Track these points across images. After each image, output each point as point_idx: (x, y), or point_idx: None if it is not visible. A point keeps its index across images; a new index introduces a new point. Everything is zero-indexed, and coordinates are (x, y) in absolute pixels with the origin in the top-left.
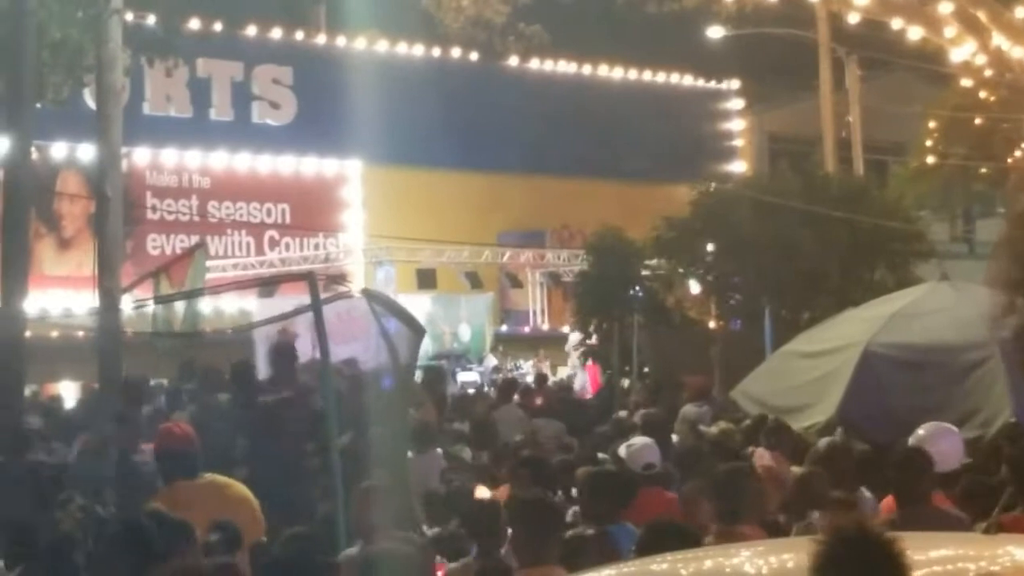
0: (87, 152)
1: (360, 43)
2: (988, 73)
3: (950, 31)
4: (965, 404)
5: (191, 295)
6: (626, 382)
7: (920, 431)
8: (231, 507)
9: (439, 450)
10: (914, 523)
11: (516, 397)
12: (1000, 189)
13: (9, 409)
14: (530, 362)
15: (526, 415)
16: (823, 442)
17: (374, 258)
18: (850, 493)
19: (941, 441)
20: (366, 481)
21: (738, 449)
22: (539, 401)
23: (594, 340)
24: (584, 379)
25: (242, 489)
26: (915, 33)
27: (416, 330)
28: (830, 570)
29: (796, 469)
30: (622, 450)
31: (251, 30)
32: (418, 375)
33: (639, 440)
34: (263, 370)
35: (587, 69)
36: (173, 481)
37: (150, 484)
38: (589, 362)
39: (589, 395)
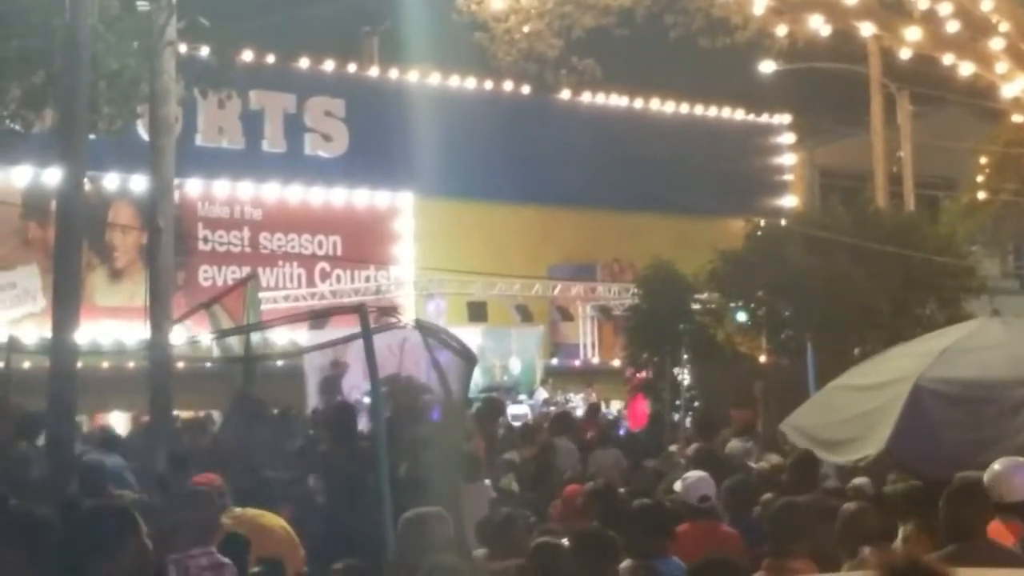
0: (139, 183)
1: (412, 75)
2: None
3: (1001, 67)
4: (1017, 439)
5: (251, 329)
6: (676, 416)
7: (996, 466)
8: (269, 537)
9: (487, 481)
10: (966, 557)
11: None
12: None
13: (63, 441)
14: (580, 395)
15: (576, 447)
16: (862, 487)
17: (425, 290)
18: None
19: (1018, 474)
20: (416, 509)
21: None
22: (591, 434)
23: (643, 374)
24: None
25: (276, 519)
26: (966, 69)
27: (468, 359)
28: None
29: (848, 505)
30: (677, 484)
31: (303, 62)
32: (475, 406)
33: (694, 473)
34: (313, 400)
35: (639, 103)
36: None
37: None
38: (635, 395)
39: (636, 427)
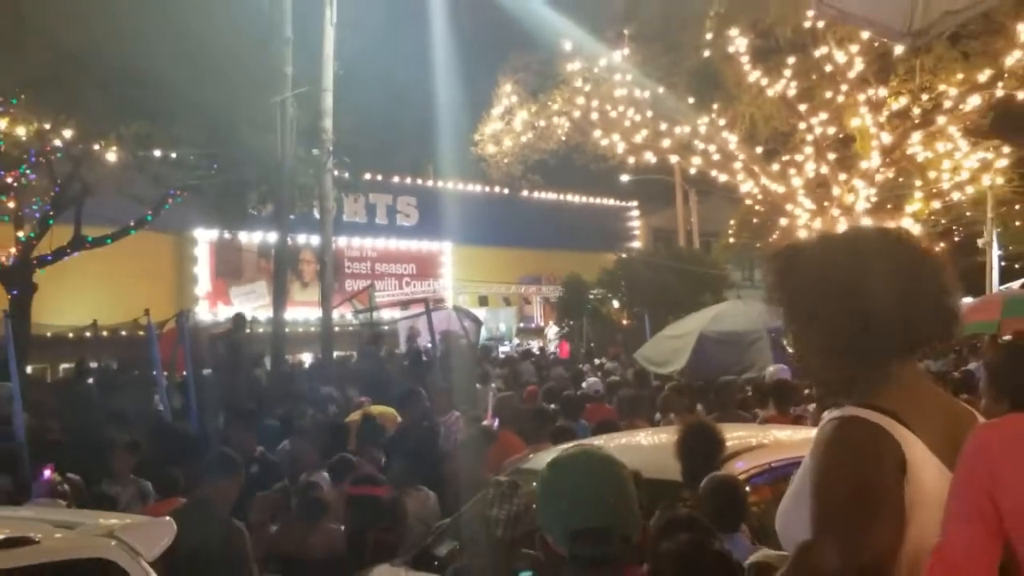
0: (314, 239)
1: (450, 183)
2: (759, 196)
3: (741, 177)
4: (748, 360)
5: (371, 310)
6: (583, 351)
7: (771, 368)
8: (389, 419)
9: (492, 384)
10: (725, 420)
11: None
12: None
13: (282, 373)
14: (536, 342)
15: (535, 368)
16: (675, 383)
17: (457, 291)
18: (692, 406)
19: (782, 372)
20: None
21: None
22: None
23: (565, 330)
24: (557, 349)
25: (391, 410)
26: (723, 178)
27: (478, 323)
28: (687, 441)
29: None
30: (584, 384)
31: (395, 178)
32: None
33: (593, 380)
34: (403, 346)
35: (561, 196)
36: None
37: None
38: (562, 341)
39: (562, 357)
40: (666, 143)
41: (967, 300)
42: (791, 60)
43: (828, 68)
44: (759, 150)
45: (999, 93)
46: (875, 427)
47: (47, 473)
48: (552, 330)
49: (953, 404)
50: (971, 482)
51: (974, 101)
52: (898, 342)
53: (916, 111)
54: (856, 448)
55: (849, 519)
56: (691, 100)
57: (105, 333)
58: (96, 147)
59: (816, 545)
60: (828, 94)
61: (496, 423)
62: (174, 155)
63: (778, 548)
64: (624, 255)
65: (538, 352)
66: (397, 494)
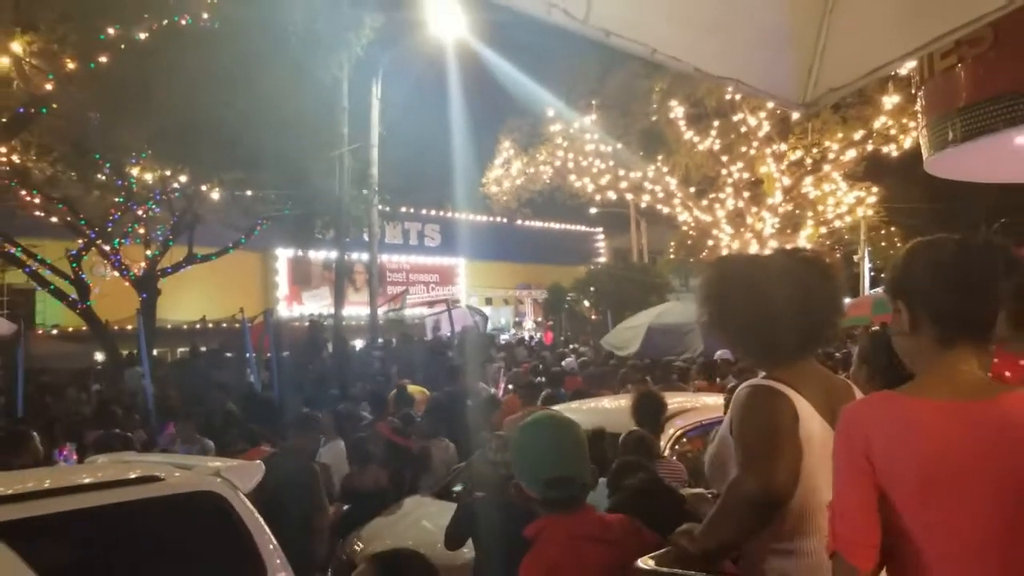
0: (364, 256)
1: (461, 215)
2: (692, 224)
3: (679, 209)
4: (684, 345)
5: (403, 308)
6: (562, 338)
7: (719, 352)
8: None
9: (496, 364)
10: (667, 389)
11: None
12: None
13: (340, 355)
14: (529, 332)
15: (526, 351)
16: (631, 362)
17: (469, 294)
18: (643, 379)
19: (725, 355)
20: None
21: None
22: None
23: (551, 322)
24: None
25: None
26: (665, 210)
27: (485, 318)
28: (639, 405)
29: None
30: (564, 363)
31: (423, 211)
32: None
33: (569, 359)
34: (429, 337)
35: (548, 224)
36: None
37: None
38: (546, 331)
39: (547, 343)
40: (623, 184)
41: (847, 300)
42: (716, 123)
43: (743, 129)
44: (692, 190)
45: (869, 148)
46: (775, 390)
47: (169, 429)
48: (528, 323)
49: (833, 379)
50: (850, 447)
51: (851, 154)
52: (794, 348)
53: (808, 161)
54: (762, 404)
55: (762, 455)
56: (641, 153)
57: (211, 325)
58: (204, 188)
59: (740, 477)
60: (743, 148)
61: (502, 392)
62: (261, 194)
63: (705, 487)
64: (593, 268)
65: (528, 339)
66: (427, 444)
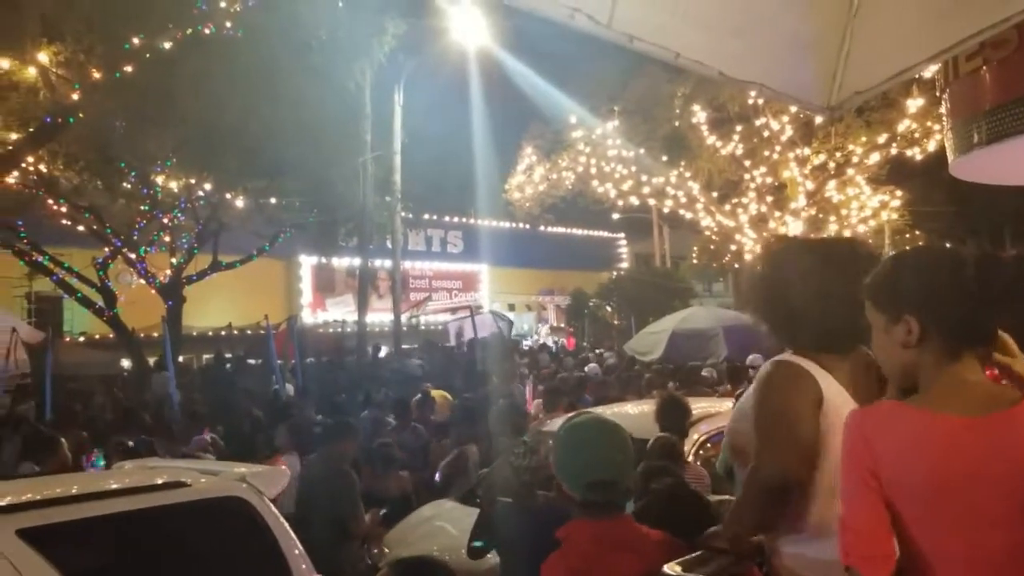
0: (387, 263)
1: (484, 222)
2: (715, 229)
3: (702, 214)
4: (708, 351)
5: (428, 313)
6: (586, 343)
7: (751, 357)
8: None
9: (521, 370)
10: (692, 394)
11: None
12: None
13: (364, 362)
14: (551, 337)
15: (549, 357)
16: (654, 369)
17: (492, 300)
18: (667, 384)
19: (757, 360)
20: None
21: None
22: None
23: (573, 328)
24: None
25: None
26: (688, 215)
27: (509, 323)
28: (664, 410)
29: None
30: (586, 369)
31: (446, 218)
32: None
33: (593, 365)
34: (452, 342)
35: (570, 229)
36: None
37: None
38: (568, 337)
39: (569, 349)
40: (646, 190)
41: None
42: (739, 128)
43: (766, 133)
44: (715, 195)
45: (893, 151)
46: (798, 367)
47: (206, 435)
48: (544, 329)
49: (864, 355)
50: (855, 461)
51: (875, 157)
52: (846, 338)
53: (832, 165)
54: (782, 384)
55: (776, 440)
56: (664, 158)
57: (236, 332)
58: (228, 196)
59: (758, 463)
60: (766, 153)
61: (531, 397)
62: (285, 202)
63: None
64: (616, 273)
65: (552, 345)
66: (461, 448)
